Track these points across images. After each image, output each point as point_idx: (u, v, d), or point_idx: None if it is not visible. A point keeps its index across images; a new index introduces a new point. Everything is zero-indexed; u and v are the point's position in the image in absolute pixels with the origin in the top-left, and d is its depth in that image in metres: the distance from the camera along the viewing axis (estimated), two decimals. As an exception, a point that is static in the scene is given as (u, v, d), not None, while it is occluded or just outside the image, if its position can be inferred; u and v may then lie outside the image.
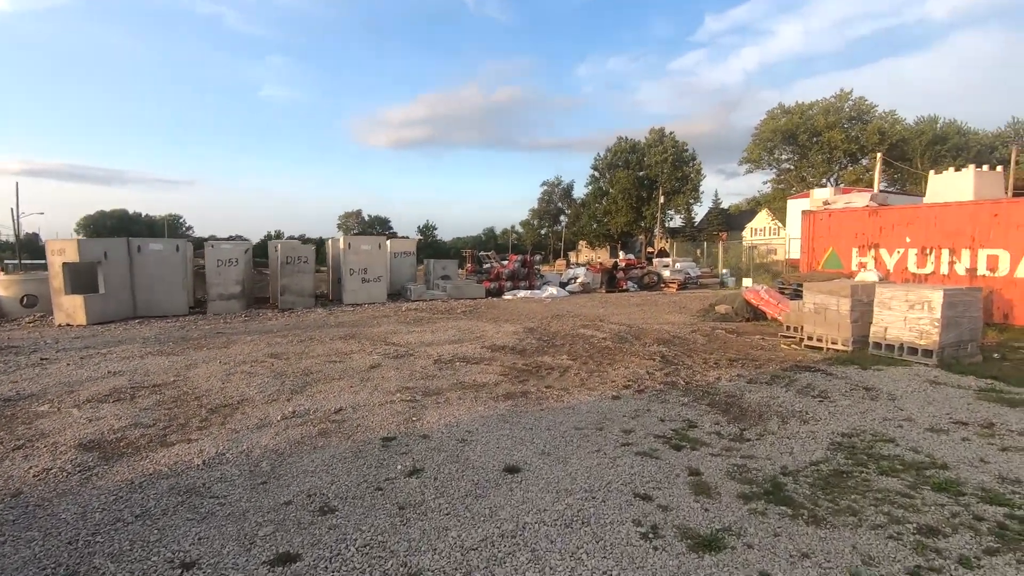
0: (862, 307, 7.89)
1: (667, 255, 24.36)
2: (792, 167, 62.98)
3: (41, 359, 8.03)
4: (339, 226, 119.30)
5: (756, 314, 11.65)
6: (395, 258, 18.44)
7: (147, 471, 3.89)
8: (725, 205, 79.72)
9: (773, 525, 3.08)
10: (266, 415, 5.18)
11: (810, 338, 8.40)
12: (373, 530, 3.03)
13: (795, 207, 23.66)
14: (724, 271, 21.48)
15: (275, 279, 14.95)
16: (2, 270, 22.70)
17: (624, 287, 19.16)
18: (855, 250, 12.70)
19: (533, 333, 9.99)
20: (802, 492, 3.51)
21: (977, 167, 12.42)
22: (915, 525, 3.09)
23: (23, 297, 14.32)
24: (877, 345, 7.54)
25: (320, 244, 21.94)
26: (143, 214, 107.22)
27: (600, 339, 9.27)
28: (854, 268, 12.68)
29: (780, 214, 61.32)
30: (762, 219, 72.71)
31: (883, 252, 12.08)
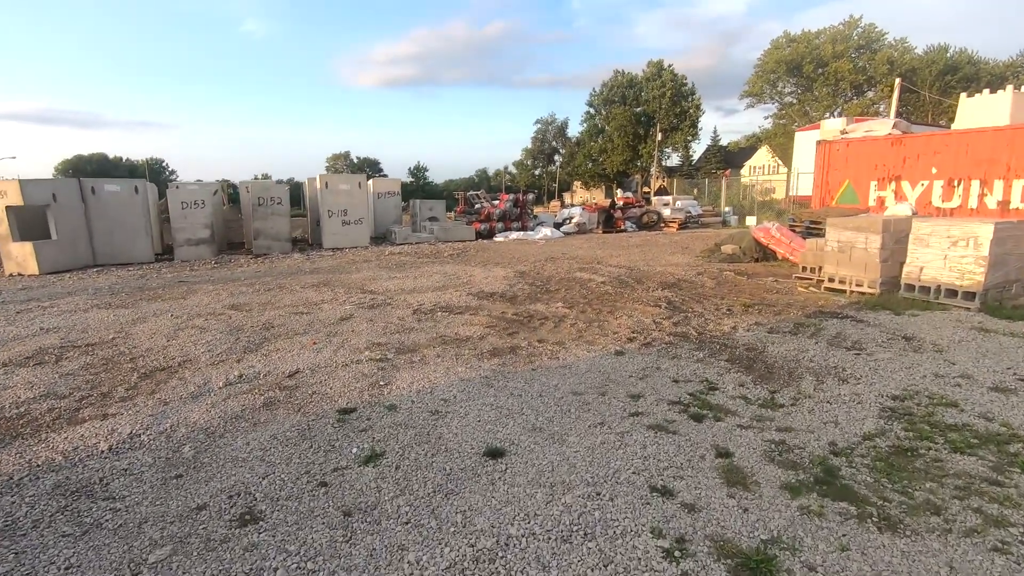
0: (893, 245, 7.03)
1: (667, 193, 23.21)
2: (795, 100, 60.58)
3: (-29, 314, 7.14)
4: (328, 169, 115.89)
5: (766, 254, 10.81)
6: (379, 199, 17.29)
7: (36, 461, 3.09)
8: (724, 142, 77.47)
9: (836, 532, 2.33)
10: (207, 380, 4.37)
11: (831, 280, 7.59)
12: (304, 551, 2.26)
13: (804, 140, 22.36)
14: (727, 209, 20.48)
15: (248, 222, 13.89)
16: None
17: (622, 227, 18.19)
18: (873, 183, 11.72)
19: (525, 278, 9.13)
20: (862, 479, 2.76)
21: (1016, 88, 11.26)
22: (1022, 529, 2.35)
23: (-24, 245, 13.25)
24: (910, 287, 6.74)
25: (298, 186, 20.67)
26: (124, 158, 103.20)
27: (598, 283, 8.43)
28: (872, 203, 11.75)
29: (781, 150, 59.56)
30: (762, 156, 70.84)
31: (905, 184, 11.11)
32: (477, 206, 18.35)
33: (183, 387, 4.24)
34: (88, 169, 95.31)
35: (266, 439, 3.29)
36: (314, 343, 5.39)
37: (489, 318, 6.26)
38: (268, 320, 6.40)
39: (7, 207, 10.73)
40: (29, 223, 11.23)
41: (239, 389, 4.17)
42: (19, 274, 10.90)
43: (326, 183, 14.19)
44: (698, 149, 75.35)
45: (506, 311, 6.64)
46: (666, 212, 19.08)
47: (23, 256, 10.86)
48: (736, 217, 20.37)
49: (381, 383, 4.22)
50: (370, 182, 17.36)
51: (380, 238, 16.87)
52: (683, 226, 18.79)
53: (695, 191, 31.56)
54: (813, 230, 11.44)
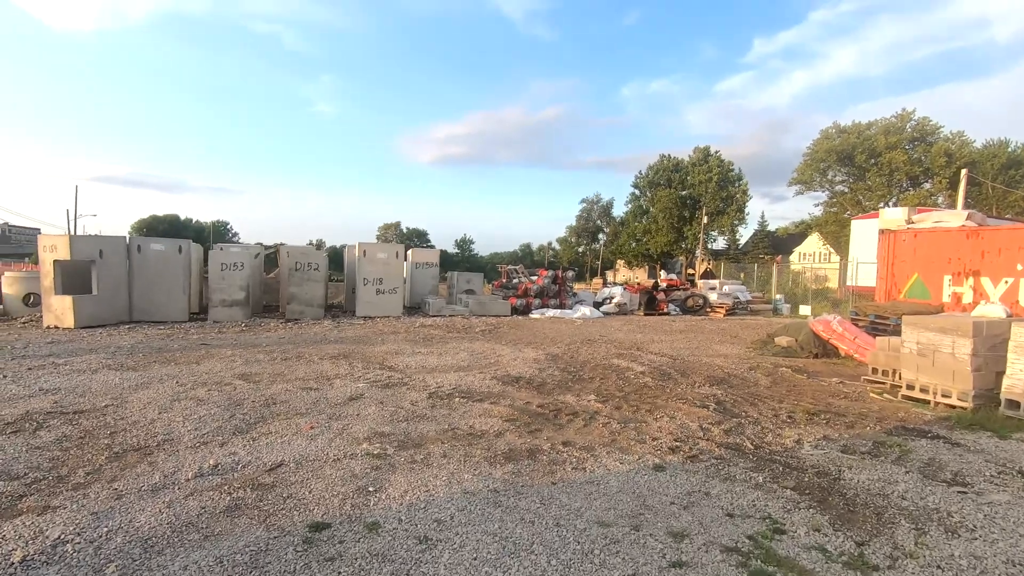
0: (986, 351, 6.03)
1: (713, 276, 22.33)
2: (847, 189, 59.57)
3: (-16, 368, 6.98)
4: (378, 237, 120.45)
5: (826, 349, 9.76)
6: (416, 269, 17.21)
7: (-67, 570, 2.54)
8: (772, 228, 76.43)
9: None
10: (177, 468, 3.80)
11: (910, 388, 6.55)
12: None
13: (861, 228, 21.39)
14: (778, 297, 19.37)
15: (284, 286, 13.88)
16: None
17: (665, 310, 17.35)
18: (947, 278, 10.66)
19: (557, 362, 8.43)
20: None
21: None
22: None
23: (27, 295, 13.68)
24: (1013, 404, 5.66)
25: (339, 252, 20.97)
26: (194, 220, 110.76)
27: (637, 373, 7.63)
28: (946, 299, 10.64)
29: (833, 238, 58.00)
30: (812, 243, 69.20)
31: (985, 281, 10.02)
32: (515, 281, 17.99)
33: (148, 475, 3.68)
34: (160, 229, 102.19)
35: (210, 563, 2.64)
36: (311, 427, 4.81)
37: (511, 409, 5.55)
38: (273, 395, 5.89)
39: (55, 261, 11.01)
40: (74, 277, 11.48)
41: (208, 483, 3.58)
42: (55, 327, 10.99)
43: (364, 251, 14.17)
44: (745, 233, 74.50)
45: (531, 401, 5.92)
46: (712, 296, 18.17)
47: (62, 309, 11.00)
48: (788, 306, 19.21)
49: (370, 488, 3.55)
50: (409, 252, 17.37)
51: (414, 308, 16.60)
52: (731, 312, 17.78)
53: (742, 276, 30.51)
54: (880, 326, 10.38)
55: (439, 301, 15.66)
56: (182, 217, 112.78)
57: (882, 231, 12.12)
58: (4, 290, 13.85)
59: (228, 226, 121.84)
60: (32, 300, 13.56)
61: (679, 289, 18.66)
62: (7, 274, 14.29)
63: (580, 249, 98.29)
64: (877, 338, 7.93)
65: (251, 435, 4.57)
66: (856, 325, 10.27)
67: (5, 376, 6.49)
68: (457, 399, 5.89)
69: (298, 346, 9.23)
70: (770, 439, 4.89)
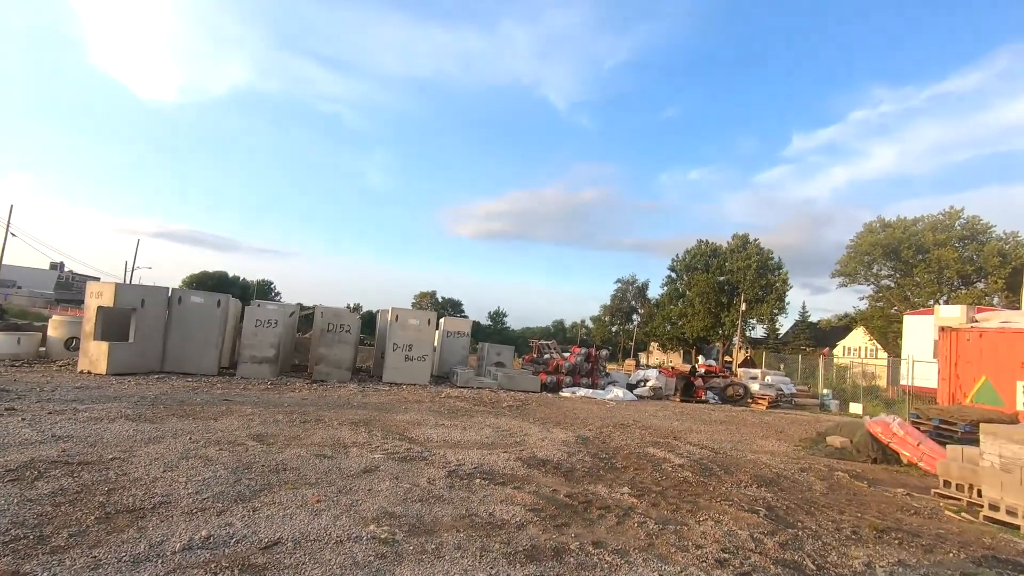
0: (1085, 471, 5.25)
1: (754, 365, 21.30)
2: (893, 284, 57.75)
3: (7, 409, 6.91)
4: (413, 305, 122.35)
5: (885, 454, 8.85)
6: (447, 337, 17.01)
7: None
8: (814, 319, 74.15)
9: None
10: (167, 538, 3.46)
11: (994, 508, 5.72)
12: None
13: (915, 325, 20.29)
14: (825, 392, 18.20)
15: (314, 347, 13.83)
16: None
17: (703, 397, 16.45)
18: (1021, 384, 9.74)
19: (587, 446, 7.85)
20: None
21: None
22: None
23: (70, 339, 14.02)
24: None
25: (373, 316, 21.08)
26: (240, 278, 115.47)
27: (676, 466, 6.98)
28: (1020, 406, 9.68)
29: (879, 333, 55.66)
30: (857, 338, 66.58)
31: (1066, 390, 9.09)
32: (547, 356, 17.54)
33: (134, 544, 3.34)
34: (209, 284, 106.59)
35: (173, 663, 2.24)
36: (318, 501, 4.41)
37: (536, 497, 5.04)
38: (284, 460, 5.55)
39: (99, 307, 11.28)
40: (114, 324, 11.69)
41: (194, 559, 3.21)
42: (88, 371, 11.08)
43: (396, 316, 14.12)
44: (785, 324, 72.48)
45: (558, 489, 5.39)
46: (754, 387, 17.21)
47: (97, 355, 11.12)
48: (837, 402, 17.97)
49: (371, 582, 3.11)
50: (442, 320, 17.27)
51: (442, 377, 16.24)
52: (773, 405, 16.72)
53: (782, 367, 29.12)
54: (945, 431, 9.45)
55: (468, 372, 15.29)
56: (230, 274, 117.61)
57: (943, 329, 11.37)
58: (50, 333, 14.26)
59: (272, 285, 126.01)
60: (73, 344, 13.87)
61: (718, 376, 17.79)
62: (54, 317, 14.77)
63: (613, 329, 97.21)
64: (948, 447, 7.12)
65: (253, 504, 4.21)
66: (918, 428, 9.37)
67: (24, 419, 6.38)
68: (478, 480, 5.42)
69: (319, 409, 8.94)
70: (834, 559, 4.21)
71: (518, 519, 4.40)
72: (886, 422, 9.07)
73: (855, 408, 17.12)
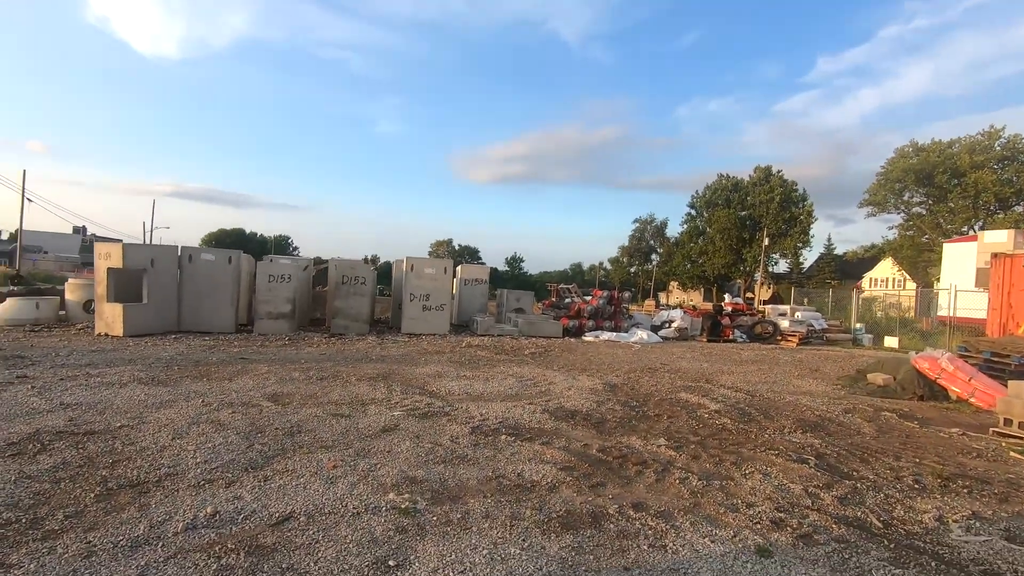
0: None
1: (781, 301, 20.64)
2: (925, 211, 55.41)
3: (19, 376, 6.75)
4: (430, 253, 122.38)
5: (932, 391, 8.36)
6: (465, 286, 16.64)
7: None
8: (839, 251, 72.13)
9: None
10: (169, 516, 3.18)
11: (1067, 447, 5.24)
12: None
13: (956, 253, 19.24)
14: (858, 326, 17.57)
15: (330, 300, 13.56)
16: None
17: (730, 336, 15.98)
18: (1081, 311, 9.04)
19: (616, 393, 7.50)
20: None
21: None
22: None
23: (88, 302, 13.95)
24: None
25: (390, 266, 20.74)
26: (258, 233, 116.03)
27: (712, 412, 6.60)
28: (1080, 336, 9.02)
29: (909, 264, 54.04)
30: (884, 269, 64.97)
31: None
32: (567, 300, 17.11)
33: (133, 524, 3.06)
34: (227, 241, 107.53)
35: (162, 677, 1.93)
36: (334, 466, 4.12)
37: (566, 453, 4.69)
38: (300, 421, 5.28)
39: (108, 268, 11.04)
40: (126, 286, 11.49)
41: (198, 540, 2.92)
42: (106, 334, 10.98)
43: (412, 266, 13.71)
44: (809, 257, 70.79)
45: (590, 443, 5.04)
46: (784, 324, 16.64)
47: (112, 317, 10.99)
48: (870, 336, 17.36)
49: (391, 562, 2.79)
50: (459, 268, 16.85)
51: (462, 326, 15.99)
52: (804, 341, 16.20)
53: (805, 300, 28.26)
54: (997, 365, 8.90)
55: (488, 320, 14.98)
56: (247, 231, 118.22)
57: (995, 256, 10.57)
58: (67, 296, 14.20)
59: (289, 240, 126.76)
60: (91, 307, 13.80)
61: (746, 314, 17.24)
62: (70, 280, 14.69)
63: (632, 269, 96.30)
64: (1010, 383, 6.58)
65: (264, 472, 3.92)
66: (966, 361, 8.82)
67: (34, 387, 6.20)
68: (503, 436, 5.09)
69: (337, 364, 8.70)
70: (901, 513, 3.81)
71: (549, 479, 4.06)
72: (933, 357, 8.53)
73: (890, 342, 16.52)
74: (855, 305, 18.50)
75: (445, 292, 14.13)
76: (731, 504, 3.78)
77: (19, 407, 5.37)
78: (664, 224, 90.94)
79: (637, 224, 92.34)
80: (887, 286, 63.34)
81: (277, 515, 3.27)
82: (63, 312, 14.11)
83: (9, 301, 13.20)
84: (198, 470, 3.93)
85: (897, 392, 8.43)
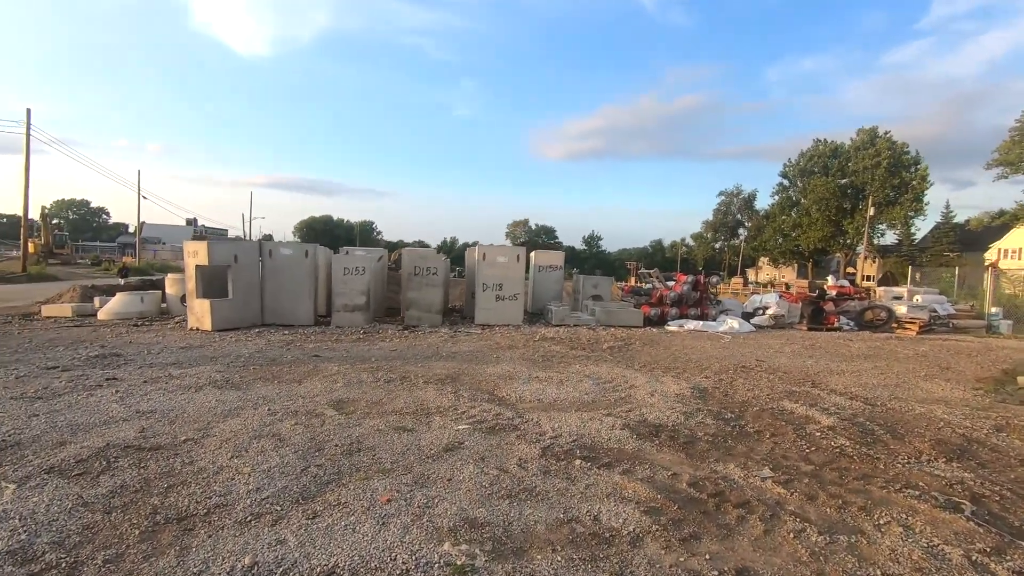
0: None
1: (893, 282, 18.27)
2: (1070, 170, 47.72)
3: (108, 378, 7.02)
4: (507, 235, 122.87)
5: (1111, 400, 6.79)
6: (539, 272, 16.07)
7: None
8: (959, 219, 64.20)
9: None
10: (204, 566, 2.90)
11: None
12: None
13: None
14: (995, 310, 15.17)
15: (403, 292, 13.49)
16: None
17: (835, 324, 14.33)
18: None
19: (707, 401, 6.67)
20: None
21: None
22: None
23: (183, 296, 14.83)
24: None
25: (462, 253, 20.55)
26: (344, 220, 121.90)
27: (825, 430, 5.64)
28: None
29: (1050, 231, 47.17)
30: (1018, 238, 57.32)
31: None
32: (648, 286, 16.10)
33: (169, 574, 2.80)
34: (317, 228, 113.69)
35: None
36: (388, 500, 3.73)
37: (651, 487, 4.03)
38: (360, 436, 4.98)
39: (197, 266, 11.51)
40: (213, 281, 11.97)
41: (229, 604, 2.60)
42: (197, 329, 11.51)
43: (483, 254, 13.32)
44: (923, 227, 63.75)
45: (679, 473, 4.34)
46: (900, 309, 14.67)
47: (202, 312, 11.47)
48: (1009, 322, 14.93)
49: (438, 654, 2.31)
50: (532, 254, 16.30)
51: (536, 315, 15.49)
52: (926, 329, 14.20)
53: (917, 277, 24.96)
54: None
55: (563, 309, 14.35)
56: (335, 218, 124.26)
57: None
58: (167, 290, 15.17)
59: (373, 225, 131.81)
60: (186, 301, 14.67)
61: (853, 298, 15.38)
62: (170, 275, 15.67)
63: (717, 246, 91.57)
64: None
65: (314, 506, 3.60)
66: None
67: (118, 391, 6.38)
68: (578, 462, 4.50)
69: (406, 363, 8.47)
70: (1113, 601, 2.84)
71: (631, 527, 3.43)
72: (1113, 359, 6.91)
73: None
74: (990, 285, 15.99)
75: (518, 281, 13.64)
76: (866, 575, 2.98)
77: (99, 415, 5.48)
78: (753, 196, 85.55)
79: (723, 197, 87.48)
80: (1020, 257, 55.69)
81: (318, 569, 2.90)
82: (164, 305, 15.11)
83: (118, 296, 14.27)
84: (248, 500, 3.67)
85: (1062, 401, 6.94)
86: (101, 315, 13.34)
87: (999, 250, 57.65)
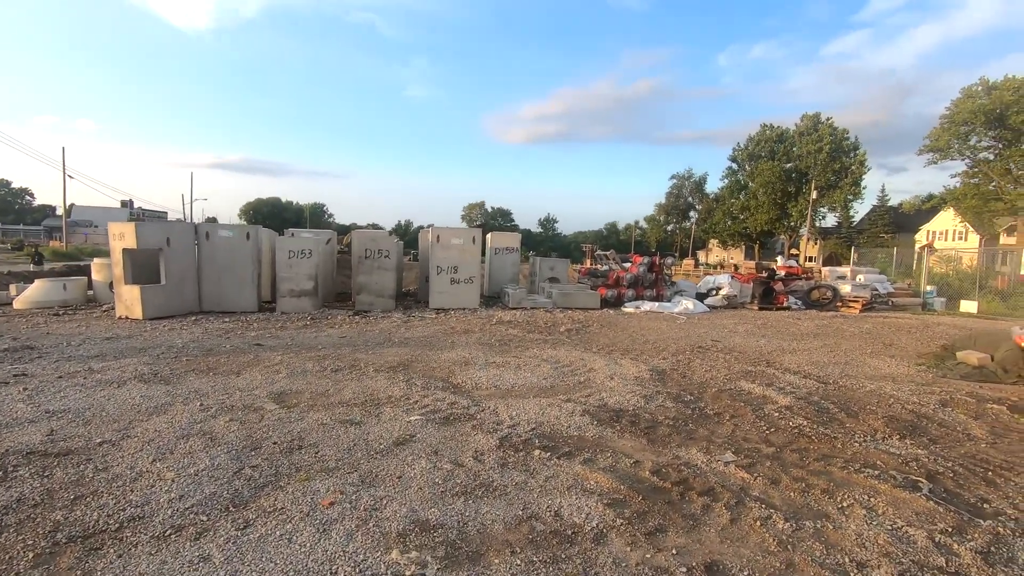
0: None
1: (837, 262, 18.95)
2: (993, 156, 50.91)
3: (16, 375, 6.30)
4: (463, 217, 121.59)
5: (1040, 372, 7.13)
6: (495, 254, 15.76)
7: None
8: (893, 202, 67.79)
9: None
10: (112, 594, 2.50)
11: None
12: None
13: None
14: (929, 289, 15.94)
15: (355, 275, 12.93)
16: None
17: (785, 304, 14.71)
18: None
19: (666, 383, 6.59)
20: None
21: None
22: None
23: (112, 282, 13.75)
24: None
25: (417, 236, 20.01)
26: (294, 202, 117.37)
27: (782, 409, 5.63)
28: None
29: (974, 214, 50.36)
30: (945, 220, 60.98)
31: None
32: (604, 268, 16.06)
33: (63, 608, 2.39)
34: (264, 211, 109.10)
35: None
36: (331, 503, 3.40)
37: (614, 477, 3.85)
38: (302, 432, 4.59)
39: (123, 249, 10.59)
40: (144, 266, 11.08)
41: (135, 640, 2.22)
42: (126, 317, 10.65)
43: (437, 237, 12.88)
44: (860, 210, 66.89)
45: (642, 460, 4.18)
46: (844, 288, 15.20)
47: (131, 300, 10.61)
48: (943, 300, 15.73)
49: None
50: (488, 236, 15.96)
51: (493, 298, 15.21)
52: (868, 307, 14.76)
53: (854, 258, 26.12)
54: (1121, 340, 7.53)
55: (519, 291, 14.12)
56: (283, 200, 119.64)
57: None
58: (94, 276, 14.03)
59: (324, 207, 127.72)
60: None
61: (800, 278, 15.84)
62: (96, 260, 14.48)
63: (669, 228, 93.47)
64: None
65: (247, 514, 3.23)
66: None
67: (26, 389, 5.71)
68: (537, 452, 4.28)
69: (356, 350, 8.04)
70: (1072, 578, 2.84)
71: (594, 523, 3.23)
72: (1044, 333, 7.25)
73: (967, 306, 14.93)
74: (926, 264, 16.78)
75: (474, 263, 13.30)
76: (836, 565, 2.87)
77: (1, 417, 4.86)
78: (703, 180, 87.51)
79: (675, 180, 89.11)
80: (947, 239, 59.33)
81: (247, 590, 2.55)
82: (91, 292, 13.97)
83: (37, 283, 13.07)
84: (169, 510, 3.26)
85: (998, 375, 7.24)
86: (17, 304, 12.20)
87: (928, 232, 61.30)
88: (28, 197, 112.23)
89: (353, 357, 7.51)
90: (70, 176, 46.56)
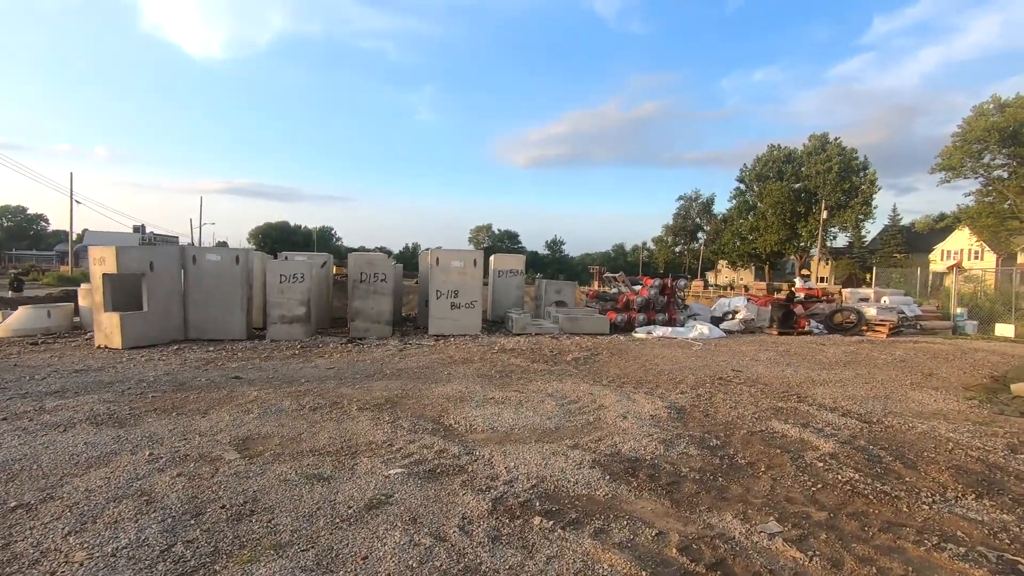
0: None
1: (858, 283, 18.11)
2: (1008, 174, 49.97)
3: (-44, 416, 5.63)
4: (470, 239, 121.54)
5: (1112, 409, 6.26)
6: (499, 277, 15.07)
7: None
8: (905, 222, 66.81)
9: None
10: None
11: None
12: None
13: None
14: (959, 311, 15.03)
15: (350, 300, 12.27)
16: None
17: (805, 327, 13.85)
18: None
19: (686, 421, 5.80)
20: None
21: None
22: None
23: (100, 308, 13.18)
24: None
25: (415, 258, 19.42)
26: (302, 226, 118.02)
27: (826, 458, 4.81)
28: None
29: (990, 233, 49.29)
30: (959, 240, 59.86)
31: None
32: (613, 291, 15.32)
33: None
34: (273, 235, 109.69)
35: None
36: (271, 600, 2.64)
37: (632, 559, 3.07)
38: (260, 491, 3.85)
39: (104, 274, 10.02)
40: (127, 291, 10.49)
41: None
42: (105, 346, 10.02)
43: (437, 259, 12.24)
44: (872, 230, 65.88)
45: (665, 532, 3.40)
46: (870, 311, 14.33)
47: (111, 328, 9.99)
48: (975, 323, 14.80)
49: None
50: (491, 258, 15.31)
51: (496, 323, 14.48)
52: (895, 332, 13.87)
53: (867, 277, 25.18)
54: None
55: (524, 316, 13.38)
56: (292, 224, 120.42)
57: None
58: (80, 302, 13.48)
59: (332, 231, 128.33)
60: (107, 313, 13.01)
61: (822, 300, 15.00)
62: (83, 286, 13.95)
63: (677, 249, 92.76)
64: None
65: (158, 619, 2.49)
66: None
67: (-41, 433, 5.03)
68: (537, 520, 3.51)
69: (342, 383, 7.32)
70: None
71: (610, 633, 2.45)
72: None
73: (1003, 330, 14.00)
74: (954, 286, 15.90)
75: (476, 287, 12.61)
76: None
77: (-86, 471, 4.17)
78: (711, 200, 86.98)
79: (682, 202, 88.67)
80: (963, 258, 58.10)
81: None
82: (77, 319, 13.42)
83: (20, 310, 12.53)
84: (61, 613, 2.52)
85: (1063, 411, 6.37)
86: (-2, 332, 11.62)
87: (942, 251, 60.13)
88: (43, 223, 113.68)
89: (337, 392, 6.79)
90: (78, 202, 46.84)
